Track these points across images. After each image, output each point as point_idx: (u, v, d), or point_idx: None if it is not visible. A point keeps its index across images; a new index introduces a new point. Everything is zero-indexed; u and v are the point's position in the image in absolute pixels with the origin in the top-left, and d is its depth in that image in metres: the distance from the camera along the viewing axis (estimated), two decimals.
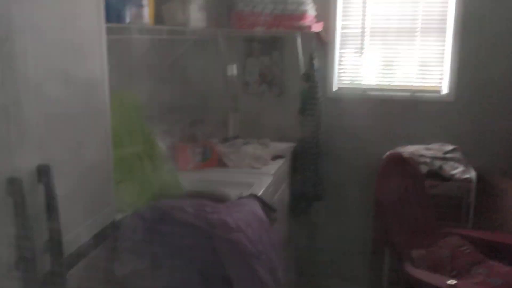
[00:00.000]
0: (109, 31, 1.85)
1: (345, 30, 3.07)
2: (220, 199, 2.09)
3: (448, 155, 2.75)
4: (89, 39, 1.41)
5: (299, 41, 2.88)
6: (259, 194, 2.06)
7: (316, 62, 2.84)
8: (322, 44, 3.03)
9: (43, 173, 1.19)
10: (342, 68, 3.12)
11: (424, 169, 2.65)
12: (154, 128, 2.38)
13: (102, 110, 1.50)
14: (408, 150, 2.79)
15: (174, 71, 3.12)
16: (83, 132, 1.39)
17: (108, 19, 1.87)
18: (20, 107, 1.12)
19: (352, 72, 3.12)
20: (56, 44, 1.24)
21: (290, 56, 3.09)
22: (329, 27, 3.03)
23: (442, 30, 2.93)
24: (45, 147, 1.21)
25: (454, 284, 1.71)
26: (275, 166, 2.52)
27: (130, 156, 2.01)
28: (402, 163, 2.53)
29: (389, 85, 3.07)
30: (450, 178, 2.65)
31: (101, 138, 1.51)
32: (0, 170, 1.07)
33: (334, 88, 3.12)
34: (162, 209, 1.59)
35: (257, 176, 2.33)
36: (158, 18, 2.39)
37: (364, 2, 3.00)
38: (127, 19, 1.99)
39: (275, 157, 2.66)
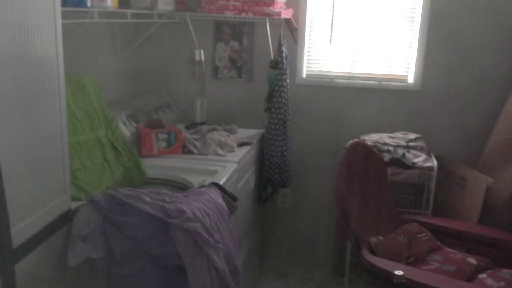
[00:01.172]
0: (68, 15, 1.82)
1: (314, 18, 3.07)
2: (181, 187, 2.10)
3: (411, 144, 2.80)
4: (42, 22, 1.36)
5: (268, 27, 2.87)
6: (223, 181, 2.07)
7: (285, 49, 2.84)
8: (291, 31, 3.02)
9: None
10: (311, 56, 3.13)
11: (387, 157, 2.70)
12: (117, 113, 2.35)
13: (55, 94, 1.45)
14: (372, 138, 2.83)
15: (141, 55, 3.08)
16: (34, 118, 1.35)
17: (67, 2, 1.83)
18: None
19: (321, 60, 3.13)
20: (4, 25, 1.19)
21: (259, 42, 3.08)
22: (298, 14, 3.02)
23: (411, 19, 2.96)
24: None
25: (401, 275, 1.76)
26: (240, 153, 2.52)
27: (90, 141, 1.98)
28: (365, 151, 2.56)
29: (357, 73, 3.09)
30: (412, 166, 2.70)
31: (55, 123, 1.46)
32: None
33: (303, 75, 3.13)
34: (118, 197, 1.58)
35: (222, 163, 2.33)
36: (124, 1, 2.34)
37: None
38: (88, 3, 1.94)
39: (242, 144, 2.67)
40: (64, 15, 1.54)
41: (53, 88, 1.44)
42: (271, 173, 2.88)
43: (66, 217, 1.51)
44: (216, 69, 3.19)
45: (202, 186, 1.94)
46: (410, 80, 3.03)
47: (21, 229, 1.29)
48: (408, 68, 3.03)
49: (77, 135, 1.92)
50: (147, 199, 1.60)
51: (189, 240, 1.54)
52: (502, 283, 2.08)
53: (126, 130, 2.34)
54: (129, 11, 2.33)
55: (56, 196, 1.47)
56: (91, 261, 1.48)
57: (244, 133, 2.88)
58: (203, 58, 2.87)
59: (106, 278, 1.51)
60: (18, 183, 1.28)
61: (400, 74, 3.06)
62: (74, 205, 1.58)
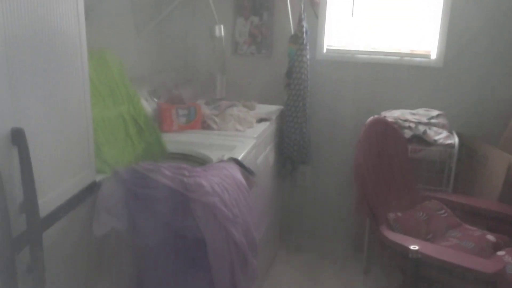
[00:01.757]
0: None
1: None
2: (200, 162, 2.13)
3: (432, 121, 2.77)
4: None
5: (288, 1, 2.84)
6: (241, 157, 2.09)
7: (305, 24, 2.81)
8: (312, 5, 2.99)
9: (16, 136, 1.21)
10: (332, 31, 3.09)
11: (408, 133, 2.68)
12: (139, 89, 2.38)
13: (78, 69, 1.49)
14: (393, 114, 2.81)
15: (161, 31, 3.09)
16: (59, 93, 1.39)
17: None
18: None
19: (342, 35, 3.09)
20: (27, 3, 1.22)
21: (280, 17, 3.06)
22: None
23: None
24: (19, 109, 1.22)
25: (416, 250, 1.77)
26: (259, 129, 2.54)
27: (113, 117, 2.02)
28: (386, 127, 2.55)
29: (378, 48, 3.05)
30: (433, 143, 2.68)
31: (79, 98, 1.50)
32: None
33: (323, 51, 3.10)
34: (140, 171, 1.62)
35: (240, 139, 2.35)
36: None
37: None
38: None
39: (261, 120, 2.68)
40: None
41: (76, 63, 1.48)
42: (290, 150, 2.90)
43: (91, 189, 1.56)
44: (236, 44, 3.18)
45: (221, 161, 1.97)
46: (433, 56, 2.97)
47: (48, 200, 1.34)
48: (431, 44, 2.98)
49: (100, 110, 1.96)
50: (168, 173, 1.64)
51: (208, 214, 1.58)
52: None
53: (147, 105, 2.38)
54: None
55: (82, 168, 1.52)
56: (115, 231, 1.53)
57: (263, 109, 2.89)
58: (223, 34, 2.86)
59: (129, 247, 1.56)
60: (44, 155, 1.32)
61: (422, 49, 3.00)
62: (98, 177, 1.63)
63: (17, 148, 1.21)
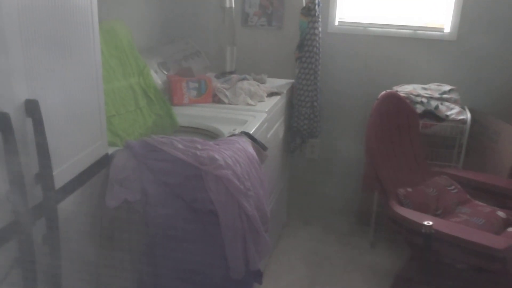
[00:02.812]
0: None
1: None
2: (211, 135, 2.13)
3: (445, 96, 2.74)
4: None
5: None
6: (252, 131, 2.08)
7: None
8: None
9: (31, 107, 1.20)
10: (344, 3, 3.03)
11: (419, 108, 2.66)
12: (148, 61, 2.36)
13: (91, 40, 1.47)
14: (405, 89, 2.78)
15: (170, 1, 3.04)
16: (71, 65, 1.37)
17: None
18: (5, 41, 1.11)
19: (354, 7, 3.03)
20: None
21: None
22: None
23: None
24: (33, 81, 1.21)
25: (430, 225, 1.77)
26: (270, 103, 2.52)
27: (123, 89, 2.01)
28: (398, 102, 2.53)
29: (391, 21, 2.99)
30: (445, 119, 2.66)
31: (91, 71, 1.49)
32: None
33: (335, 23, 3.04)
34: (153, 144, 1.61)
35: (252, 113, 2.34)
36: None
37: None
38: None
39: (272, 94, 2.66)
40: None
41: (88, 34, 1.46)
42: (300, 124, 2.88)
43: (104, 161, 1.56)
44: (246, 16, 3.13)
45: (233, 135, 1.96)
46: (447, 29, 2.92)
47: (62, 172, 1.35)
48: (445, 17, 2.92)
49: (111, 82, 1.94)
50: (180, 146, 1.63)
51: (220, 187, 1.58)
52: None
53: (157, 78, 2.36)
54: None
55: (94, 141, 1.51)
56: (128, 203, 1.53)
57: (274, 82, 2.86)
58: (233, 5, 2.82)
59: (142, 220, 1.57)
60: (58, 128, 1.32)
61: (436, 23, 2.94)
62: (110, 150, 1.63)
63: (32, 120, 1.21)
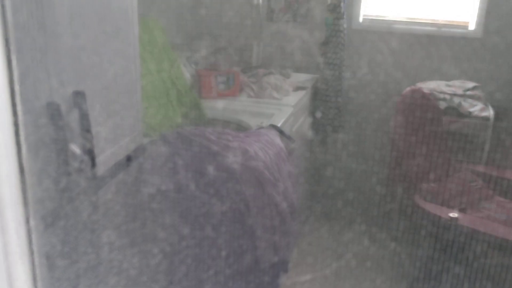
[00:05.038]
0: None
1: None
2: (240, 128, 2.19)
3: (468, 93, 2.75)
4: None
5: None
6: (280, 124, 2.14)
7: None
8: None
9: (78, 98, 1.28)
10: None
11: (443, 105, 2.68)
12: (178, 55, 2.43)
13: (131, 37, 1.54)
14: (429, 86, 2.79)
15: None
16: (113, 60, 1.45)
17: None
18: (57, 38, 1.18)
19: (378, 4, 3.06)
20: None
21: None
22: None
23: None
24: (79, 74, 1.29)
25: (456, 217, 1.80)
26: (296, 98, 2.57)
27: (156, 82, 2.08)
28: (421, 99, 2.55)
29: (416, 18, 3.01)
30: (468, 115, 2.67)
31: (131, 66, 1.56)
32: (41, 95, 1.16)
33: (359, 20, 3.07)
34: (186, 135, 1.68)
35: (278, 106, 2.39)
36: None
37: None
38: None
39: (297, 88, 2.71)
40: None
41: (129, 30, 1.53)
42: (325, 118, 2.92)
43: (140, 151, 1.63)
44: (271, 12, 3.17)
45: (261, 127, 2.01)
46: (472, 27, 2.92)
47: (103, 159, 1.42)
48: (470, 14, 2.92)
49: (144, 76, 2.01)
50: (212, 137, 1.70)
51: (252, 178, 1.64)
52: None
53: (186, 71, 2.42)
54: None
55: (132, 131, 1.59)
56: (162, 192, 1.60)
57: (299, 77, 2.91)
58: (260, 1, 2.87)
59: (175, 208, 1.64)
60: (100, 118, 1.39)
61: (461, 20, 2.95)
62: (145, 141, 1.70)
63: (78, 110, 1.28)
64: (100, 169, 1.41)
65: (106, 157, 1.45)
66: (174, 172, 1.62)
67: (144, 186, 1.63)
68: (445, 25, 2.96)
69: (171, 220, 1.69)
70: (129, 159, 1.57)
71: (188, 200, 1.62)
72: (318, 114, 2.93)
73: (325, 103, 2.89)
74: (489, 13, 2.85)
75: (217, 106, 2.38)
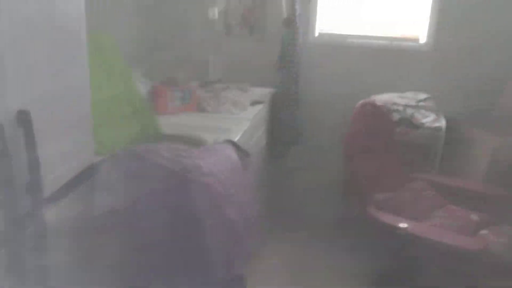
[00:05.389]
0: None
1: None
2: (195, 144, 2.18)
3: (420, 104, 2.84)
4: None
5: None
6: (236, 139, 2.15)
7: (298, 7, 2.84)
8: None
9: (22, 118, 1.25)
10: (324, 15, 3.13)
11: (396, 116, 2.75)
12: (133, 71, 2.41)
13: (80, 53, 1.52)
14: (382, 98, 2.87)
15: (156, 12, 3.10)
16: (61, 77, 1.43)
17: None
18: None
19: (333, 19, 3.13)
20: None
21: (272, 0, 3.07)
22: None
23: None
24: (24, 93, 1.26)
25: (405, 227, 1.85)
26: (253, 112, 2.59)
27: (108, 99, 2.05)
28: (375, 111, 2.61)
29: (369, 33, 3.10)
30: (421, 126, 2.75)
31: (80, 82, 1.54)
32: None
33: (315, 34, 3.13)
34: (138, 152, 1.66)
35: (235, 121, 2.40)
36: None
37: None
38: None
39: (254, 102, 2.73)
40: None
41: (77, 46, 1.51)
42: (283, 132, 2.95)
43: (90, 170, 1.60)
44: (229, 27, 3.20)
45: (217, 143, 2.02)
46: (422, 40, 3.03)
47: (51, 180, 1.39)
48: (420, 28, 3.03)
49: (97, 93, 1.98)
50: (166, 154, 1.68)
51: (205, 193, 1.64)
52: (503, 239, 2.17)
53: (141, 87, 2.41)
54: None
55: (82, 150, 1.56)
56: (114, 211, 1.58)
57: (256, 91, 2.93)
58: (216, 16, 2.89)
59: (127, 227, 1.62)
60: (47, 138, 1.36)
61: (412, 34, 3.06)
62: (97, 159, 1.67)
63: (23, 130, 1.25)
64: (48, 190, 1.38)
65: (54, 178, 1.42)
66: (125, 191, 1.60)
67: (95, 206, 1.60)
68: (397, 39, 3.06)
69: (123, 239, 1.66)
70: (78, 179, 1.54)
71: (140, 218, 1.60)
72: (276, 128, 2.95)
73: (282, 116, 2.92)
74: (439, 27, 2.96)
75: (173, 122, 2.36)
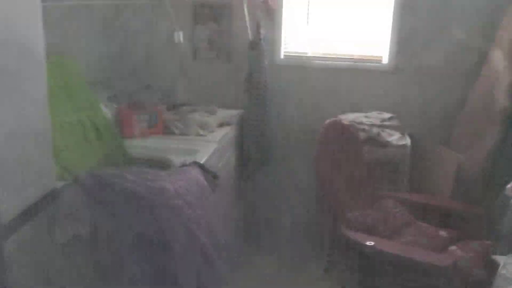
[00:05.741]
0: None
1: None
2: (163, 166, 2.15)
3: (385, 123, 2.89)
4: (23, 4, 1.38)
5: (246, 8, 2.90)
6: (204, 160, 2.12)
7: (262, 30, 2.88)
8: (268, 12, 3.05)
9: None
10: (288, 37, 3.18)
11: (362, 135, 2.79)
12: (99, 94, 2.37)
13: (37, 76, 1.48)
14: (348, 117, 2.91)
15: (120, 37, 3.07)
16: (17, 99, 1.37)
17: None
18: None
19: (298, 41, 3.19)
20: None
21: (238, 23, 3.10)
22: None
23: (386, 1, 3.02)
24: None
25: (372, 245, 1.86)
26: (221, 133, 2.58)
27: (71, 123, 2.00)
28: (341, 130, 2.64)
29: (333, 54, 3.16)
30: (387, 145, 2.79)
31: (37, 105, 1.49)
32: None
33: (281, 56, 3.17)
34: (102, 176, 1.62)
35: (203, 143, 2.38)
36: None
37: None
38: None
39: (222, 124, 2.72)
40: None
41: (34, 69, 1.47)
42: (252, 152, 2.95)
43: (52, 196, 1.55)
44: (195, 50, 3.21)
45: (184, 165, 1.99)
46: (385, 60, 3.11)
47: (9, 207, 1.33)
48: (383, 49, 3.11)
49: (59, 117, 1.94)
50: (131, 177, 1.64)
51: (172, 216, 1.60)
52: (471, 254, 2.19)
53: (107, 111, 2.36)
54: None
55: (42, 175, 1.50)
56: (79, 238, 1.52)
57: (225, 113, 2.92)
58: (182, 40, 2.89)
59: (92, 253, 1.56)
60: (3, 162, 1.31)
61: (375, 55, 3.13)
62: (59, 184, 1.61)
63: None
64: (6, 217, 1.31)
65: (13, 204, 1.36)
66: (90, 216, 1.55)
67: (58, 232, 1.54)
68: (360, 60, 3.12)
69: (88, 266, 1.59)
70: (38, 205, 1.48)
71: (106, 244, 1.54)
72: (245, 148, 2.95)
73: (251, 137, 2.92)
74: (399, 48, 3.04)
75: (140, 145, 2.33)
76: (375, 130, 2.82)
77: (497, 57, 2.73)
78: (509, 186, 1.69)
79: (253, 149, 2.94)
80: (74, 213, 1.55)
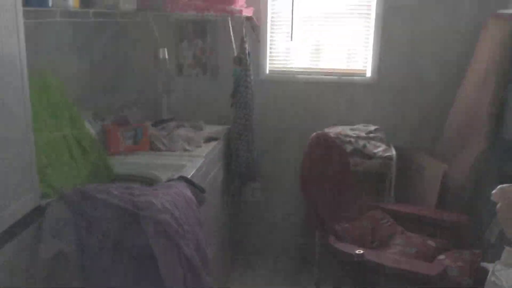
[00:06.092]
0: (30, 14, 1.83)
1: (275, 15, 3.15)
2: (149, 182, 2.13)
3: (371, 135, 2.92)
4: (4, 21, 1.37)
5: (230, 25, 2.92)
6: (190, 175, 2.11)
7: (247, 46, 2.90)
8: (253, 28, 3.09)
9: None
10: (273, 52, 3.21)
11: (348, 148, 2.81)
12: (83, 111, 2.35)
13: (19, 93, 1.47)
14: (334, 130, 2.93)
15: (105, 54, 3.07)
16: (0, 116, 1.37)
17: (29, 2, 1.83)
18: None
19: (283, 56, 3.22)
20: None
21: (223, 40, 3.13)
22: (260, 12, 3.10)
23: (367, 16, 3.08)
24: None
25: (361, 253, 1.86)
26: (208, 148, 2.58)
27: (56, 140, 1.99)
28: (328, 143, 2.66)
29: (318, 68, 3.19)
30: (373, 156, 2.81)
31: (21, 121, 1.48)
32: None
33: (266, 71, 3.20)
34: (88, 192, 1.60)
35: (189, 158, 2.38)
36: (86, 0, 2.34)
37: None
38: (50, 3, 1.95)
39: (209, 139, 2.72)
40: (26, 15, 1.55)
41: (17, 87, 1.46)
42: (238, 167, 2.94)
43: (37, 213, 1.52)
44: (180, 66, 3.22)
45: (171, 180, 1.98)
46: (368, 74, 3.15)
47: None
48: (366, 62, 3.15)
49: (43, 134, 1.92)
50: (116, 192, 1.63)
51: (159, 231, 1.58)
52: (460, 263, 2.20)
53: (92, 128, 2.35)
54: (91, 10, 2.34)
55: (26, 192, 1.48)
56: (64, 254, 1.50)
57: (211, 129, 2.93)
58: (167, 56, 2.90)
59: (79, 271, 1.53)
60: None
61: (358, 68, 3.17)
62: (44, 201, 1.59)
63: None
64: None
65: None
66: (74, 233, 1.53)
67: (43, 249, 1.51)
68: (344, 74, 3.16)
69: (75, 283, 1.57)
70: (24, 222, 1.46)
71: (92, 260, 1.52)
72: (232, 163, 2.94)
73: (238, 152, 2.92)
74: (382, 61, 3.09)
75: (126, 161, 2.31)
76: (361, 142, 2.84)
77: (478, 68, 2.78)
78: (494, 191, 1.70)
79: (240, 164, 2.94)
80: (59, 229, 1.53)
